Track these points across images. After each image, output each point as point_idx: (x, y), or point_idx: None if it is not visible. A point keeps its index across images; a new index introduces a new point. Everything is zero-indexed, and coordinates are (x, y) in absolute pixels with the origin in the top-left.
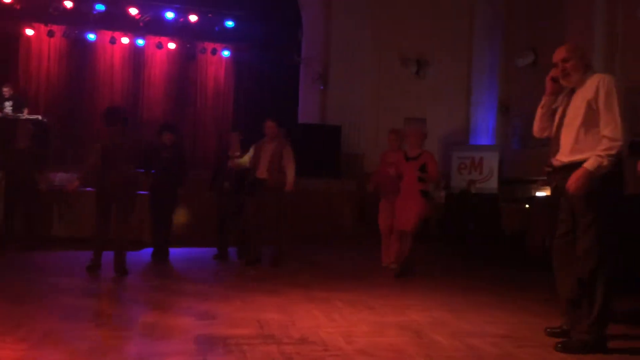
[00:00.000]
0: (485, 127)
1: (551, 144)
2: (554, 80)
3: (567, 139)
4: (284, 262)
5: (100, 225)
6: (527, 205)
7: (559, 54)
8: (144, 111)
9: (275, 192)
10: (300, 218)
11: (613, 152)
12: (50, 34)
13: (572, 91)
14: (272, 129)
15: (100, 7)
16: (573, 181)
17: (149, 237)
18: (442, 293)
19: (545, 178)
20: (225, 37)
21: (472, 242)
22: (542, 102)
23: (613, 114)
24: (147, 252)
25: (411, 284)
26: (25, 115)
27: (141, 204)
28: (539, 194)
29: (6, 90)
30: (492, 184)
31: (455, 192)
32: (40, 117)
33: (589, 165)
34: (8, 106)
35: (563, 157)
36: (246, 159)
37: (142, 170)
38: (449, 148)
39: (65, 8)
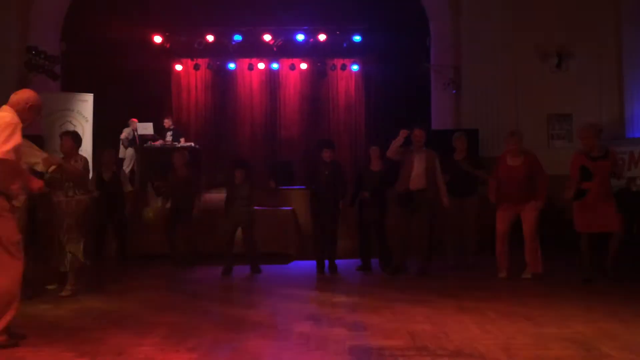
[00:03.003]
0: None
1: None
2: None
3: None
4: (430, 272)
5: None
6: None
7: None
8: (281, 130)
9: (432, 203)
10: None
11: None
12: (196, 67)
13: None
14: (420, 137)
15: (237, 38)
16: None
17: (294, 250)
18: (606, 302)
19: None
20: (354, 52)
21: (636, 245)
22: None
23: None
24: (296, 265)
25: (569, 293)
26: (182, 144)
27: (286, 218)
28: None
29: (167, 121)
30: None
31: (613, 191)
32: (193, 144)
33: None
34: (169, 136)
35: None
36: None
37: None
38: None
39: (207, 42)
